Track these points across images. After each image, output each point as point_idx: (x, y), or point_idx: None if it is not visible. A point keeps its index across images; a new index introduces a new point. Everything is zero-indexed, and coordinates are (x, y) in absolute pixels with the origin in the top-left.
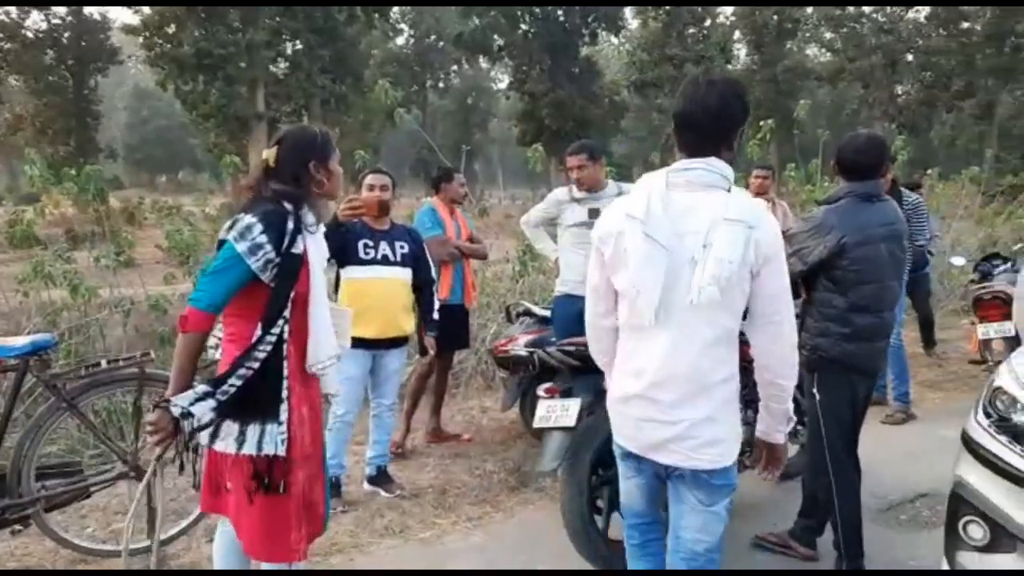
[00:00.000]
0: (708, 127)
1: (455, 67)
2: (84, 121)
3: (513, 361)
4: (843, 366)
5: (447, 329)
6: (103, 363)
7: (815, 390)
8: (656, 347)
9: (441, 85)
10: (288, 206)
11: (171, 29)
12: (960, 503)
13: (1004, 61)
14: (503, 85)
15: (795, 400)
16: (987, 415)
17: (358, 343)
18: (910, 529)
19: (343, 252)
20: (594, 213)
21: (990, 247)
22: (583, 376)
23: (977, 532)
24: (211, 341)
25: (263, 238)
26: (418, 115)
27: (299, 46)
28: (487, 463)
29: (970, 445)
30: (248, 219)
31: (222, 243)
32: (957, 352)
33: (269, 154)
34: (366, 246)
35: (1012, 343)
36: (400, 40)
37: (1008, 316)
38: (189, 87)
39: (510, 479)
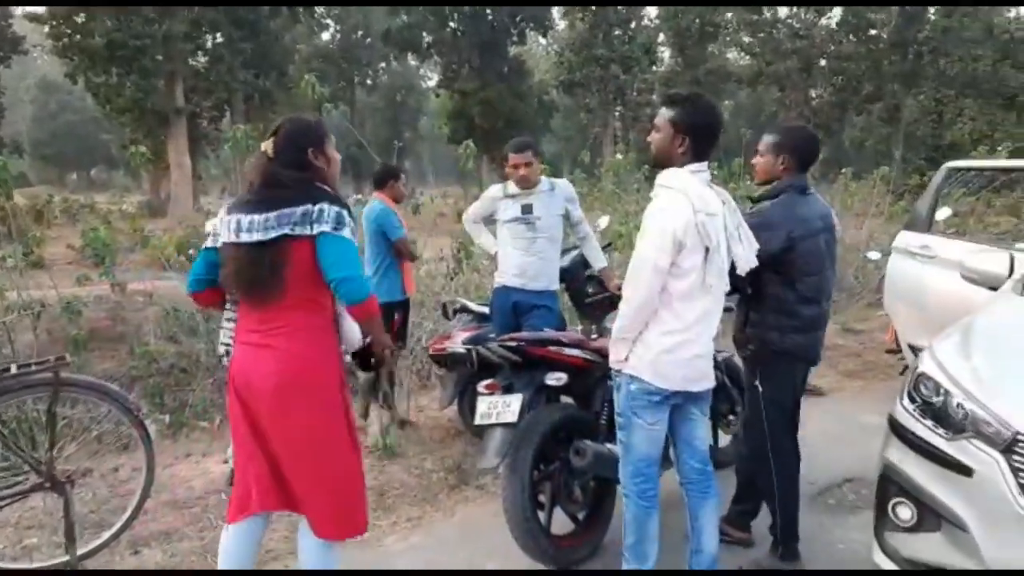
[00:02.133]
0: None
1: (383, 64)
2: None
3: (451, 359)
4: (791, 357)
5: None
6: (13, 368)
7: (758, 382)
8: (701, 305)
9: (369, 82)
10: (321, 185)
11: (80, 18)
12: (888, 485)
13: (907, 68)
14: (433, 83)
15: (727, 391)
16: (912, 400)
17: None
18: (838, 513)
19: None
20: (527, 208)
21: None
22: (523, 372)
23: (905, 513)
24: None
25: (351, 220)
26: (346, 111)
27: (220, 39)
28: (426, 462)
29: (897, 429)
30: (329, 207)
31: (320, 235)
32: (874, 342)
33: (267, 145)
34: None
35: None
36: (326, 35)
37: None
38: (101, 80)
39: (449, 477)
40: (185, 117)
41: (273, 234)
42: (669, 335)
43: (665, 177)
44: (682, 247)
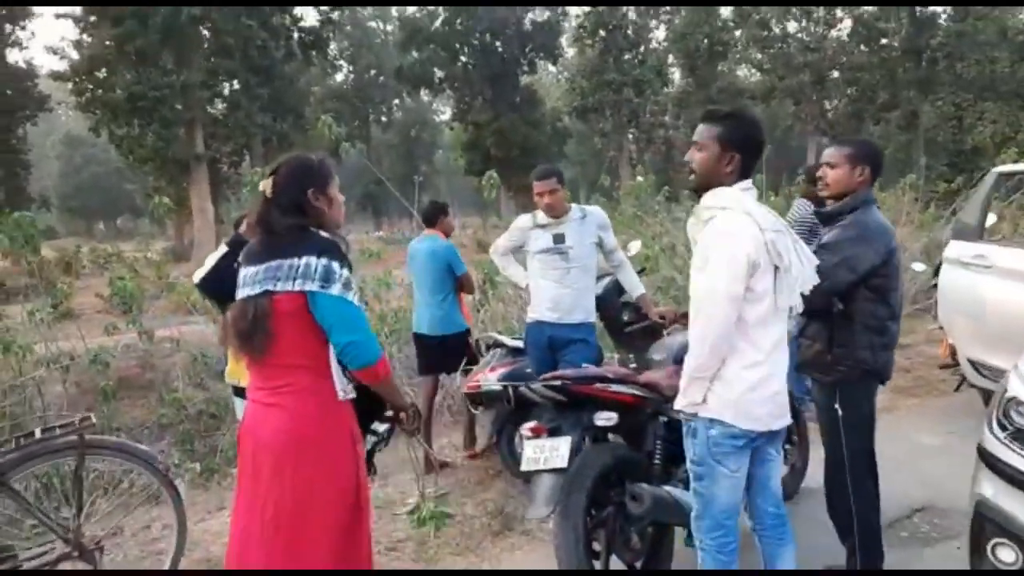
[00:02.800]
0: None
1: (397, 101)
2: (13, 172)
3: (486, 397)
4: (875, 377)
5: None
6: (37, 433)
7: (837, 406)
8: (776, 331)
9: (384, 119)
10: (318, 232)
11: (102, 74)
12: (985, 524)
13: (922, 74)
14: (446, 116)
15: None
16: (1003, 427)
17: None
18: (912, 546)
19: None
20: (559, 238)
21: (934, 250)
22: (569, 412)
23: (1008, 555)
24: None
25: (344, 271)
26: (362, 149)
27: (236, 86)
28: (465, 506)
29: (989, 460)
30: (316, 262)
31: (309, 293)
32: (922, 356)
33: (266, 184)
34: None
35: None
36: (340, 76)
37: None
38: (124, 131)
39: (493, 523)
40: (206, 163)
41: (259, 289)
42: (752, 369)
43: (717, 197)
44: (755, 269)
